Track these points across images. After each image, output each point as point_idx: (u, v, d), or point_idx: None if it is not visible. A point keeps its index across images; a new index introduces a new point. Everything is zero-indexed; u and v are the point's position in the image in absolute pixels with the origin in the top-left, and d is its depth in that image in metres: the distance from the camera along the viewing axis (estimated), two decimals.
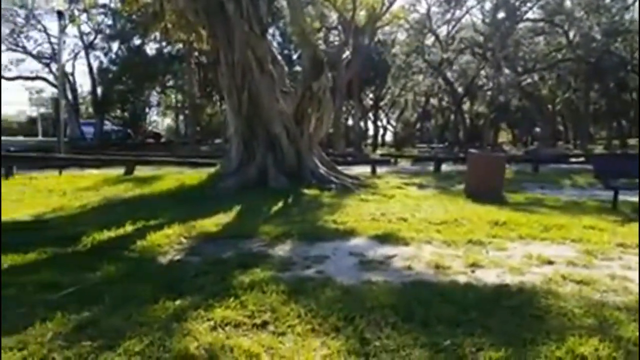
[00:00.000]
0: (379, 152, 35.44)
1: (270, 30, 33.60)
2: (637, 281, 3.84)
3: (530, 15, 35.98)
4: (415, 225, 6.11)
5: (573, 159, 16.69)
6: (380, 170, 16.53)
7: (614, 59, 31.73)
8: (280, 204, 8.08)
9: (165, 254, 4.69)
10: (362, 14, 31.03)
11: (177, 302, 3.24)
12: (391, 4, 31.54)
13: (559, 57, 36.41)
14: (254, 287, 3.54)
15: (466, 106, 44.90)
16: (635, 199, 7.98)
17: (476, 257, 4.58)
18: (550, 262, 4.42)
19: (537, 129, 44.27)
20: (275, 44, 36.70)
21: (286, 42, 36.08)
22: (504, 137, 52.44)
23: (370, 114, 48.69)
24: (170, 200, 8.39)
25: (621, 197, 7.95)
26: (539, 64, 37.12)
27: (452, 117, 44.71)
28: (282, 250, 4.91)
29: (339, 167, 12.54)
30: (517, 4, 34.04)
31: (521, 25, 36.44)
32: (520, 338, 2.81)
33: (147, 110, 43.49)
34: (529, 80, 39.27)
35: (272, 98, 10.87)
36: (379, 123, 51.14)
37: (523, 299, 3.45)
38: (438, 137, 53.37)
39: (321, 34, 36.11)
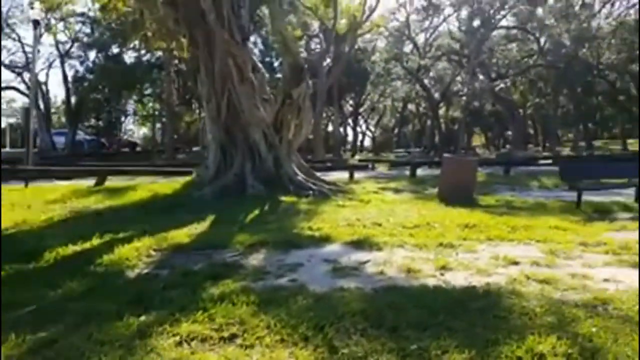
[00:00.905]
0: (357, 157, 35.65)
1: (252, 38, 33.74)
2: (597, 279, 3.97)
3: (504, 22, 36.90)
4: (389, 230, 6.19)
5: (542, 161, 17.07)
6: (358, 175, 16.63)
7: (581, 64, 32.64)
8: (256, 212, 8.09)
9: (133, 268, 4.60)
10: (343, 22, 31.47)
11: (142, 318, 3.18)
12: (372, 13, 32.08)
13: (531, 62, 37.31)
14: (224, 299, 3.50)
15: (442, 111, 45.57)
16: (598, 199, 8.24)
17: (446, 260, 4.67)
18: (516, 263, 4.54)
19: (509, 133, 45.16)
20: (256, 51, 36.92)
21: (268, 49, 36.32)
22: (477, 140, 53.31)
23: (350, 120, 49.15)
24: (142, 211, 8.28)
25: (584, 198, 8.17)
26: (512, 70, 37.95)
27: (429, 122, 45.31)
28: (256, 259, 4.89)
29: (319, 173, 12.61)
30: (492, 12, 34.85)
31: (495, 32, 37.29)
32: (484, 339, 2.87)
33: (123, 119, 42.89)
34: (502, 85, 40.09)
35: (252, 105, 10.94)
36: (358, 129, 51.61)
37: (489, 300, 3.53)
38: (415, 142, 53.97)
39: (303, 42, 36.47)
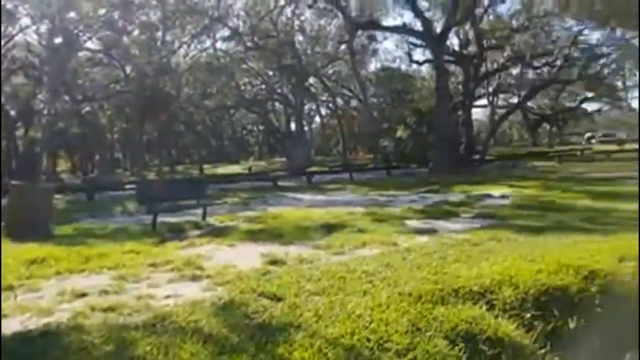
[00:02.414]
0: None
1: None
2: (160, 297, 4.27)
3: (90, 45, 35.98)
4: None
5: (128, 186, 17.43)
6: None
7: (164, 95, 35.54)
8: None
9: None
10: None
11: None
12: None
13: (117, 88, 37.88)
14: None
15: (20, 132, 40.34)
16: (173, 219, 9.01)
17: None
18: (84, 295, 4.35)
19: (98, 157, 44.45)
20: None
21: None
22: (64, 165, 49.74)
23: None
24: None
25: (162, 219, 8.76)
26: (99, 94, 37.48)
27: (4, 143, 39.18)
28: None
29: None
30: (76, 32, 33.40)
31: (82, 53, 35.92)
32: None
33: None
34: (89, 108, 39.06)
35: None
36: None
37: (46, 342, 3.21)
38: None
39: None
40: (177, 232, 8.17)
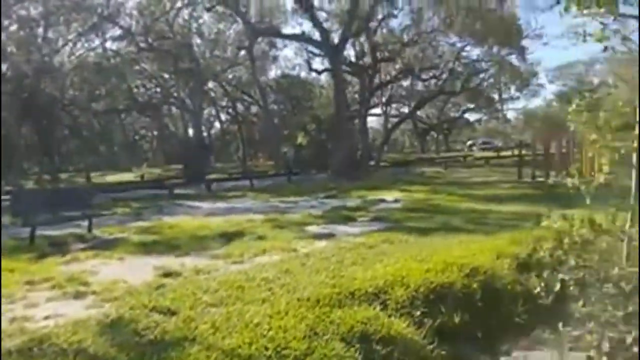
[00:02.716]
0: None
1: None
2: (38, 318, 3.88)
3: None
4: None
5: (2, 197, 15.59)
6: None
7: (45, 97, 32.61)
8: None
9: None
10: None
11: None
12: None
13: None
14: None
15: None
16: (53, 232, 8.25)
17: None
18: None
19: None
20: None
21: None
22: None
23: None
24: None
25: (42, 232, 7.99)
26: None
27: None
28: None
29: None
30: None
31: None
32: None
33: None
34: None
35: None
36: None
37: None
38: None
39: None
40: (59, 246, 7.49)
